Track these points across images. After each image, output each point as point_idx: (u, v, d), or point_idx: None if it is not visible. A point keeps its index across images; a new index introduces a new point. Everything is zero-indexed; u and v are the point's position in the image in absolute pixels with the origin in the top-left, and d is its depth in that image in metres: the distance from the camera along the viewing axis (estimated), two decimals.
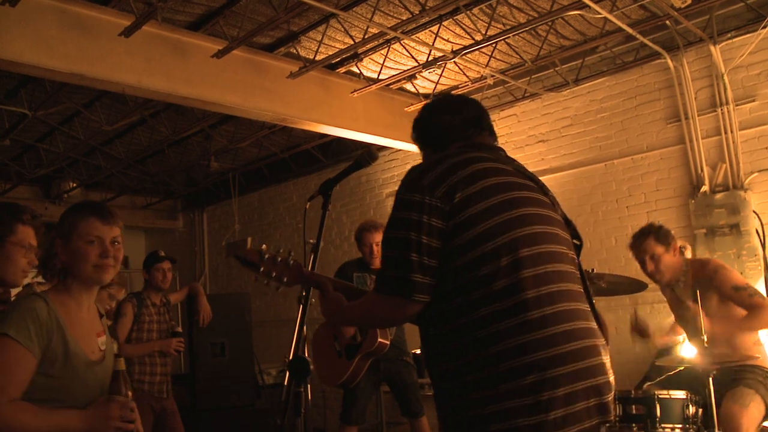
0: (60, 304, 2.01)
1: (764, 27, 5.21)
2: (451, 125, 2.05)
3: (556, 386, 1.63)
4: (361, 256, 5.11)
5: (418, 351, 6.22)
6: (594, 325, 1.81)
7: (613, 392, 1.77)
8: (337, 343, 4.85)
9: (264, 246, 2.25)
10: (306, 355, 2.74)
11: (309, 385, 2.55)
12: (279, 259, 2.23)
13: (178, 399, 5.11)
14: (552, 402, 1.62)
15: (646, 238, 3.82)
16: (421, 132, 2.13)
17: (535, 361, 1.64)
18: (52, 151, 8.02)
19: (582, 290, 1.86)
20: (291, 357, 2.27)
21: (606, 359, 1.78)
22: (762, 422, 3.54)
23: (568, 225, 1.97)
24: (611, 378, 1.78)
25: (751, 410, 3.41)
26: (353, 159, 2.37)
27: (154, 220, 11.06)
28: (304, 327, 2.28)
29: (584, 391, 1.68)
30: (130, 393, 2.00)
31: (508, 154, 2.05)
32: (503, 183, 1.81)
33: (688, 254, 3.91)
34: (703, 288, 3.69)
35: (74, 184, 9.56)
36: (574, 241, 1.95)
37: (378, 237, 5.02)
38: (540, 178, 2.02)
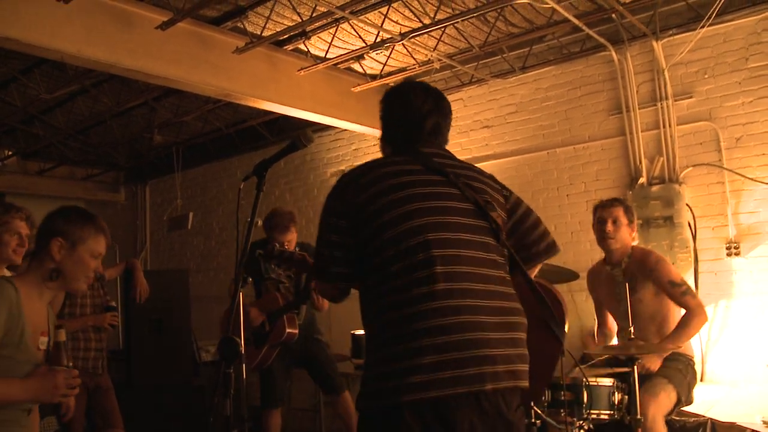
0: (24, 294, 2.07)
1: (702, 26, 5.34)
2: (395, 135, 2.23)
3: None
4: (265, 237, 5.02)
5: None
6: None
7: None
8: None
9: None
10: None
11: (243, 365, 2.55)
12: None
13: (114, 375, 5.03)
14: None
15: (618, 205, 3.95)
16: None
17: None
18: None
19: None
20: (221, 338, 2.27)
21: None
22: (673, 410, 3.66)
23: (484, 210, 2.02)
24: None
25: (660, 399, 3.52)
26: (289, 140, 2.37)
27: (96, 192, 10.73)
28: (241, 307, 2.29)
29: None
30: (70, 363, 2.07)
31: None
32: (396, 184, 1.99)
33: (635, 243, 4.03)
34: (641, 277, 3.80)
35: (10, 152, 9.27)
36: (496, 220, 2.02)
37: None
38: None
